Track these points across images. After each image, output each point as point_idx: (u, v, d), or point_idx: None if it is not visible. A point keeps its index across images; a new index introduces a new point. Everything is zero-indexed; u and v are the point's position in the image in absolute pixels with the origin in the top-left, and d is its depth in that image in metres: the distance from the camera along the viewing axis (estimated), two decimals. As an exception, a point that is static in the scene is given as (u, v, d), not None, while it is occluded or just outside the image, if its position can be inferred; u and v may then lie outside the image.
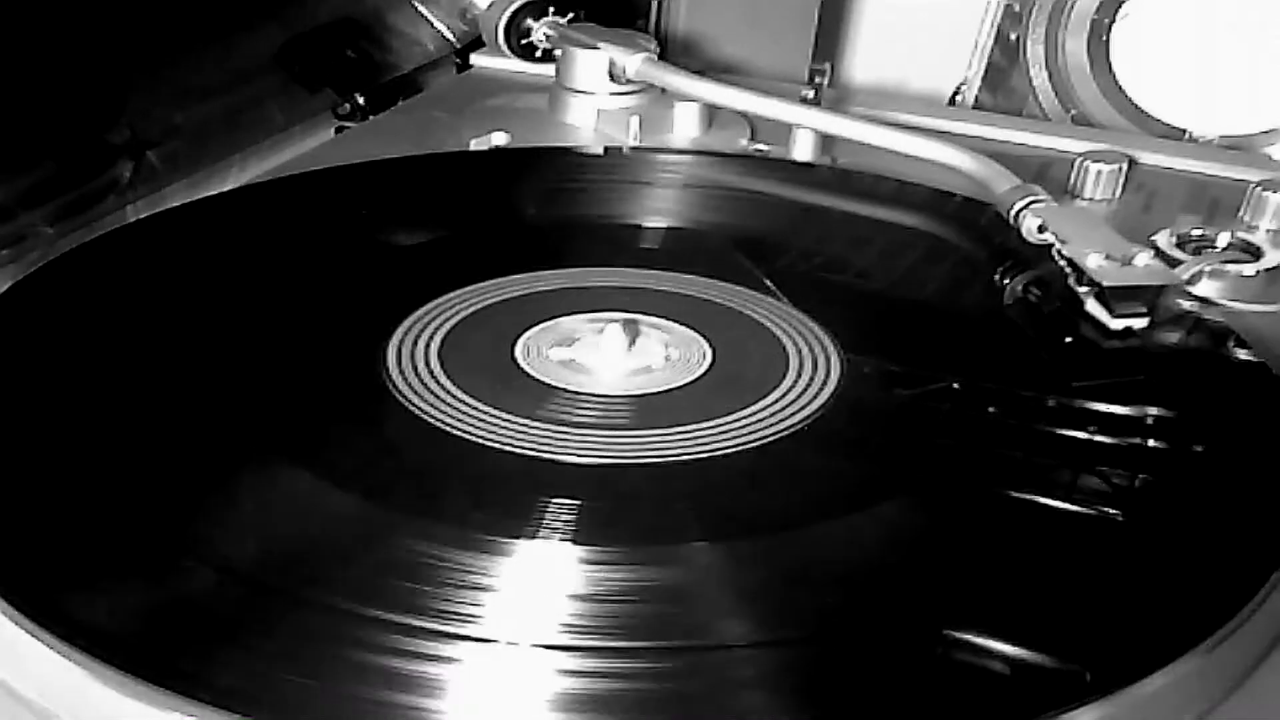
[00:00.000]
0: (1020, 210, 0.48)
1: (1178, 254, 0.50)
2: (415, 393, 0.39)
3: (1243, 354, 0.42)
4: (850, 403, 0.39)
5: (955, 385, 0.40)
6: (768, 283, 0.47)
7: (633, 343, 0.42)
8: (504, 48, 0.68)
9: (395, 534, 0.32)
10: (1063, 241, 0.46)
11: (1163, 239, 0.51)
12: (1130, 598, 0.31)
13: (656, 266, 0.48)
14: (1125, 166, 0.59)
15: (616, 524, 0.33)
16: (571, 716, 0.27)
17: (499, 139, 0.60)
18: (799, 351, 0.42)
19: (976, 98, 0.86)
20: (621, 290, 0.46)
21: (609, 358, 0.41)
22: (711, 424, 0.38)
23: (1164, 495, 0.36)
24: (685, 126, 0.63)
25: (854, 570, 0.33)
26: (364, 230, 0.51)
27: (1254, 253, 0.51)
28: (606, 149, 0.60)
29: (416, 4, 0.82)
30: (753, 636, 0.30)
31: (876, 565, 0.33)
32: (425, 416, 0.38)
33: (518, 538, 0.32)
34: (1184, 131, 0.79)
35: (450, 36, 0.83)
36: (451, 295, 0.45)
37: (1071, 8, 0.82)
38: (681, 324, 0.44)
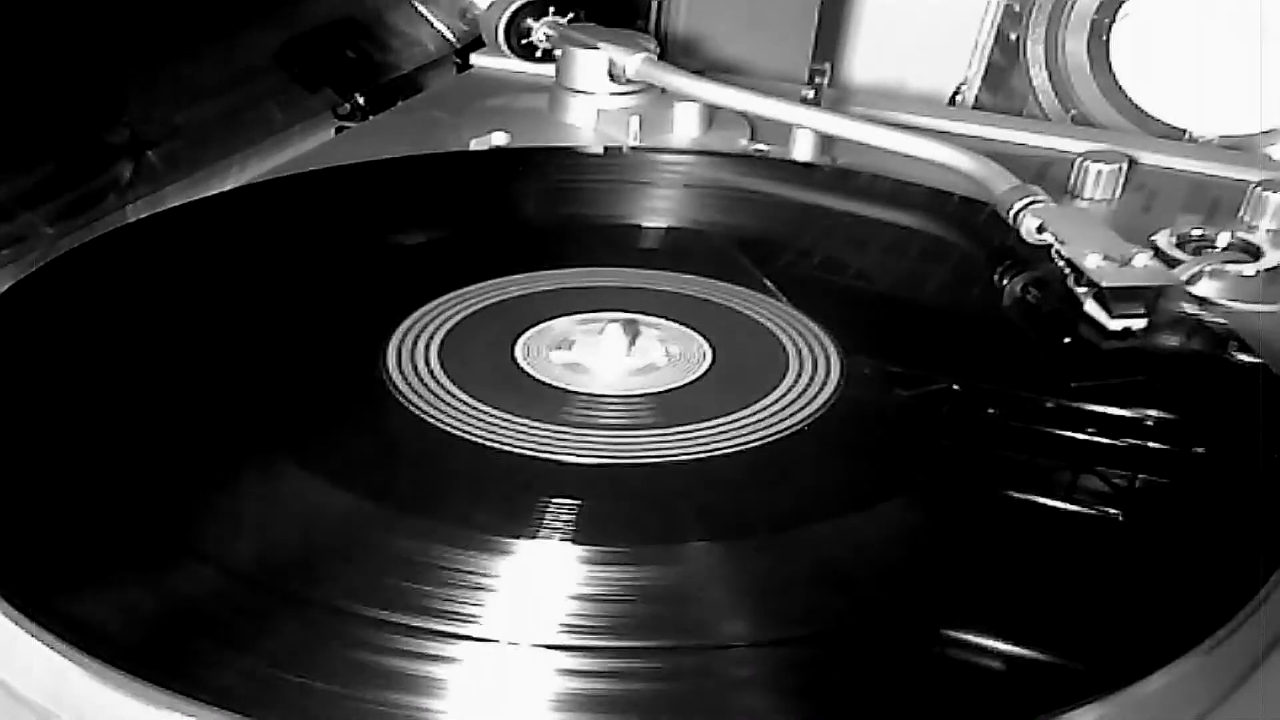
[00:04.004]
0: (1019, 210, 0.48)
1: (1178, 254, 0.50)
2: (415, 393, 0.39)
3: (1243, 355, 0.42)
4: (850, 403, 0.39)
5: (954, 386, 0.40)
6: (768, 283, 0.47)
7: (633, 343, 0.42)
8: (504, 48, 0.68)
9: (395, 534, 0.32)
10: (1062, 242, 0.46)
11: (1163, 239, 0.51)
12: (1130, 598, 0.31)
13: (656, 266, 0.48)
14: (1125, 166, 0.59)
15: (616, 524, 0.33)
16: (571, 716, 0.27)
17: (499, 139, 0.60)
18: (799, 351, 0.42)
19: (976, 98, 0.86)
20: (621, 290, 0.46)
21: (609, 358, 0.41)
22: (711, 424, 0.38)
23: (1164, 495, 0.36)
24: (685, 126, 0.63)
25: (854, 570, 0.33)
26: (364, 230, 0.51)
27: (1254, 253, 0.51)
28: (606, 149, 0.60)
29: (416, 4, 0.82)
30: (752, 636, 0.30)
31: (876, 565, 0.33)
32: (425, 416, 0.38)
33: (518, 538, 0.32)
34: (1184, 131, 0.79)
35: (450, 36, 0.83)
36: (451, 295, 0.45)
37: (1071, 8, 0.82)
38: (681, 324, 0.44)
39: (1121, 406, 0.39)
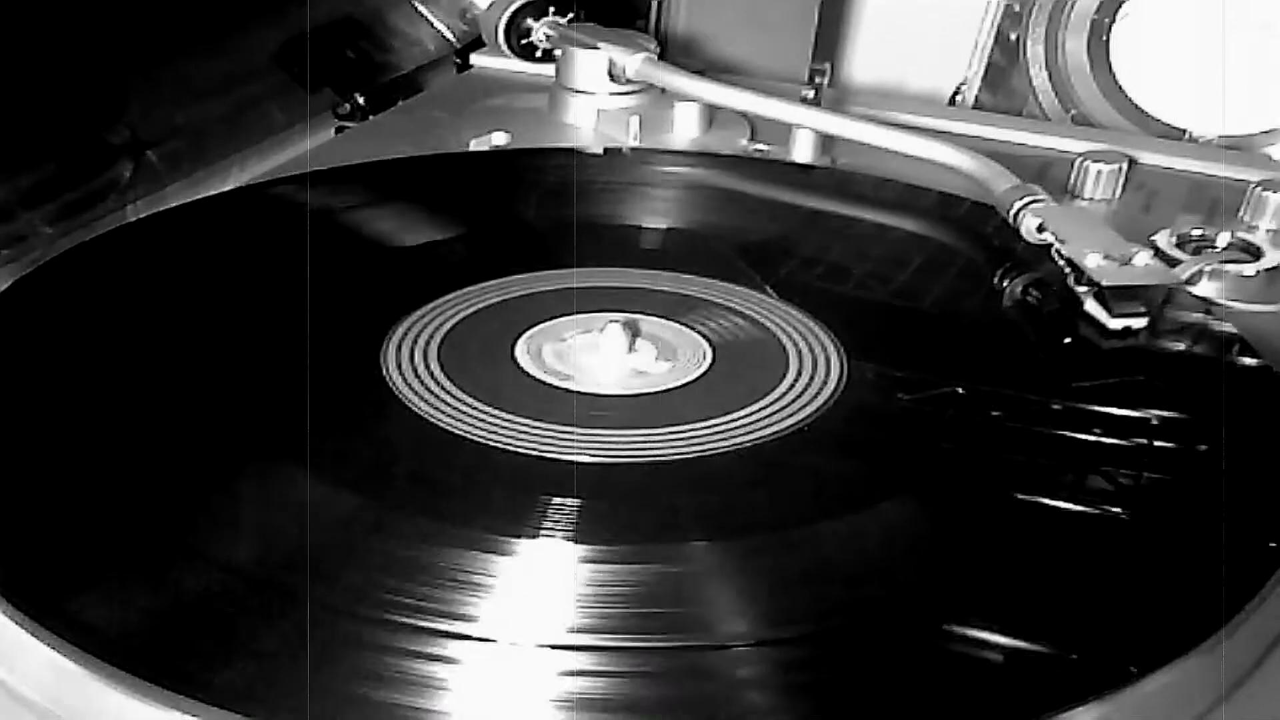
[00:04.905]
0: (1019, 210, 0.48)
1: (1178, 254, 0.50)
2: (415, 393, 0.39)
3: (1244, 356, 0.42)
4: (850, 403, 0.39)
5: (954, 385, 0.40)
6: (768, 288, 0.47)
7: (633, 343, 0.42)
8: (504, 48, 0.68)
9: (396, 534, 0.32)
10: (1062, 241, 0.46)
11: (1163, 239, 0.51)
12: (1131, 597, 0.31)
13: (656, 266, 0.48)
14: (1125, 166, 0.59)
15: (617, 524, 0.33)
16: (572, 716, 0.27)
17: (499, 139, 0.60)
18: (799, 352, 0.42)
19: (976, 98, 0.86)
20: (621, 290, 0.46)
21: (609, 358, 0.41)
22: (711, 424, 0.38)
23: (1164, 495, 0.36)
24: (685, 126, 0.63)
25: (854, 570, 0.32)
26: (364, 230, 0.51)
27: (1254, 253, 0.51)
28: (606, 149, 0.60)
29: (416, 4, 0.82)
30: (752, 636, 0.30)
31: (877, 565, 0.33)
32: (425, 416, 0.38)
33: (518, 537, 0.32)
34: (1184, 131, 0.79)
35: (450, 36, 0.83)
36: (451, 295, 0.45)
37: (1071, 8, 0.82)
38: (681, 324, 0.44)
39: (1122, 406, 0.39)
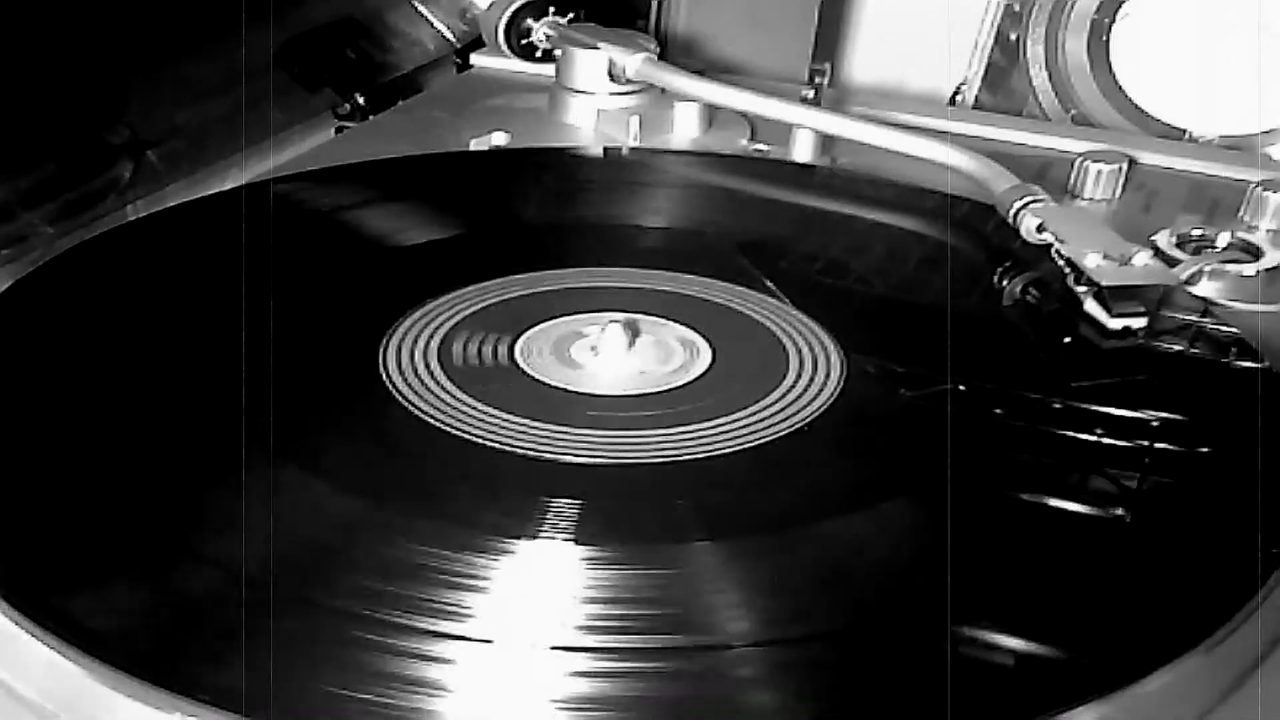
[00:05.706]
0: (1019, 210, 0.48)
1: (1178, 254, 0.50)
2: (415, 393, 0.39)
3: (1244, 357, 0.42)
4: (850, 403, 0.39)
5: (954, 385, 0.40)
6: (768, 283, 0.47)
7: (633, 343, 0.42)
8: (504, 48, 0.68)
9: (395, 534, 0.32)
10: (1061, 241, 0.46)
11: (1163, 239, 0.51)
12: (1130, 598, 0.31)
13: (656, 266, 0.48)
14: (1125, 166, 0.59)
15: (617, 524, 0.33)
16: (572, 716, 0.27)
17: (499, 139, 0.60)
18: (799, 351, 0.42)
19: (976, 98, 0.86)
20: (621, 290, 0.46)
21: (609, 358, 0.41)
22: (711, 424, 0.38)
23: (1164, 495, 0.36)
24: (685, 126, 0.63)
25: (855, 570, 0.33)
26: (364, 230, 0.51)
27: (1254, 253, 0.51)
28: (606, 149, 0.60)
29: (416, 4, 0.82)
30: (754, 636, 0.30)
31: (877, 565, 0.33)
32: (425, 416, 0.38)
33: (518, 538, 0.32)
34: (1184, 131, 0.79)
35: (450, 36, 0.83)
36: (451, 295, 0.45)
37: (1071, 8, 0.82)
38: (681, 324, 0.44)
39: (1121, 406, 0.39)
